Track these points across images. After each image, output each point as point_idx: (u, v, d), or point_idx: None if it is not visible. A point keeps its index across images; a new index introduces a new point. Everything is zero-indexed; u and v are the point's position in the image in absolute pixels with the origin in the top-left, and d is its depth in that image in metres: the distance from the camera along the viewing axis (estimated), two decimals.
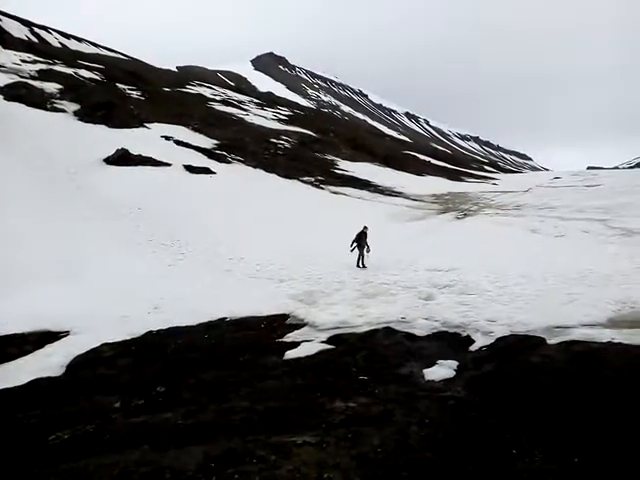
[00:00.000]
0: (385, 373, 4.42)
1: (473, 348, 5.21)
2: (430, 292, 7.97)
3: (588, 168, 78.19)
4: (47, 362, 5.35)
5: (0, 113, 20.87)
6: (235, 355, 4.97)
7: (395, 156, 35.52)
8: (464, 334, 5.70)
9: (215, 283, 9.73)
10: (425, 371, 4.44)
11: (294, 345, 5.39)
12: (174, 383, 4.01)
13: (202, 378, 4.15)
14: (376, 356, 4.93)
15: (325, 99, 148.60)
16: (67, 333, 6.44)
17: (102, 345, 5.64)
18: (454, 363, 4.63)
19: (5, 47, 35.67)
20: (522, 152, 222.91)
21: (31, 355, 5.78)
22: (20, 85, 24.60)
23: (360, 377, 4.29)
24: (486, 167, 61.72)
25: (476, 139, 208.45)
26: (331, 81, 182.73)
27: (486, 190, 26.61)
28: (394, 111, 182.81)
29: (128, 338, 5.97)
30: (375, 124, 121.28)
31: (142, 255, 11.63)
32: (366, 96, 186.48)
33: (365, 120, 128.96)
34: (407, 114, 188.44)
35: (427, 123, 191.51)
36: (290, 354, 5.04)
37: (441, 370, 4.47)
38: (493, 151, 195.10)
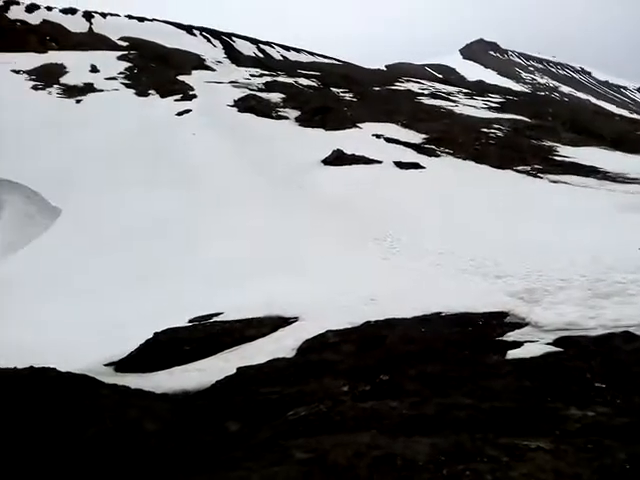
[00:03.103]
0: (627, 382, 3.90)
1: None
2: None
3: None
4: (280, 344, 5.96)
5: (236, 123, 23.87)
6: (453, 350, 4.90)
7: (627, 138, 31.12)
8: None
9: (427, 277, 9.72)
10: None
11: (516, 345, 5.09)
12: (396, 373, 4.12)
13: (422, 370, 4.18)
14: (614, 363, 4.38)
15: (541, 81, 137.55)
16: (296, 319, 7.08)
17: (326, 332, 6.04)
18: None
19: (238, 65, 40.73)
20: None
21: (267, 337, 6.49)
22: (250, 97, 27.83)
23: (596, 384, 3.87)
24: None
25: None
26: (548, 61, 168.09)
27: None
28: (624, 87, 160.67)
29: (349, 327, 6.30)
30: (601, 103, 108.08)
31: (357, 249, 12.20)
32: (589, 73, 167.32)
33: (588, 100, 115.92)
34: None
35: None
36: (513, 354, 4.77)
37: None
38: None
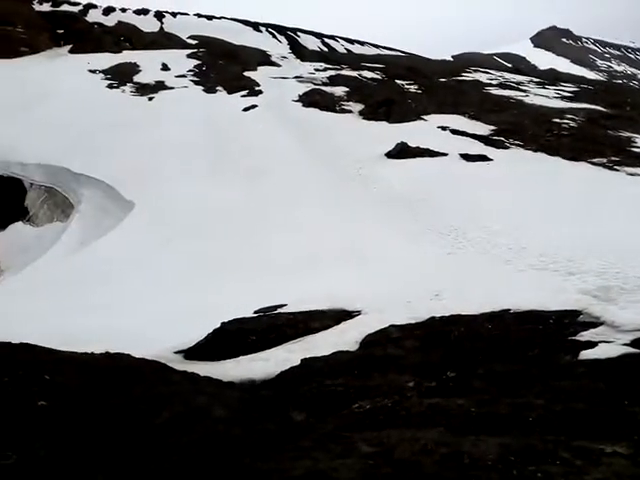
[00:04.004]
0: None
1: None
2: None
3: None
4: (344, 337, 5.98)
5: (300, 118, 24.08)
6: (523, 349, 4.75)
7: None
8: None
9: (495, 273, 9.44)
10: None
11: (590, 345, 4.85)
12: (463, 370, 4.04)
13: (490, 368, 4.08)
14: None
15: (618, 69, 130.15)
16: (359, 313, 7.09)
17: (389, 326, 6.00)
18: None
19: (303, 60, 40.97)
20: None
21: (330, 330, 6.53)
22: (314, 92, 27.96)
23: None
24: None
25: None
26: (626, 47, 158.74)
27: None
28: None
29: (412, 322, 6.23)
30: None
31: (421, 243, 12.04)
32: None
33: None
34: None
35: None
36: (586, 354, 4.56)
37: None
38: None
